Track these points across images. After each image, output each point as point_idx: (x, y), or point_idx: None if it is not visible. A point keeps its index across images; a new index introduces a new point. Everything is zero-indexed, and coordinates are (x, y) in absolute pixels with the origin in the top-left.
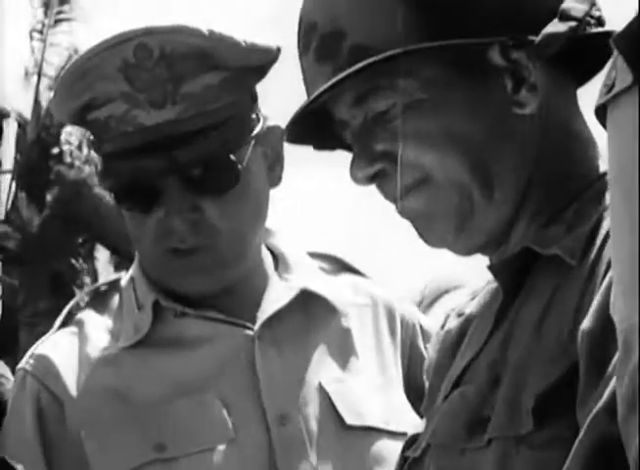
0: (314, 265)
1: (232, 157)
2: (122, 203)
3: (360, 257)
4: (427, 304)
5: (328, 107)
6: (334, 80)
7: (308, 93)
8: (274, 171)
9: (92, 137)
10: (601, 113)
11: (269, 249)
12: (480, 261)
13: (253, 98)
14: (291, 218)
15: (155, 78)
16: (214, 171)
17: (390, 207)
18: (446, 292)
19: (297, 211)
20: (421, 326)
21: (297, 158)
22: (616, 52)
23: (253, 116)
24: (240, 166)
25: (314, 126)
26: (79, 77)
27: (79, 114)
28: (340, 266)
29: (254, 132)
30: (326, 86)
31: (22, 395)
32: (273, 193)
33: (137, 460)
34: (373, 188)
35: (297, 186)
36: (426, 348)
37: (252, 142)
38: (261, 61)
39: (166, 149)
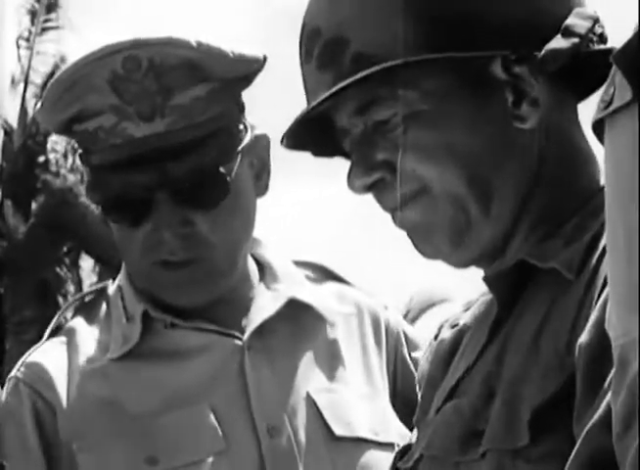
0: (300, 274)
1: (221, 169)
2: (110, 215)
3: (352, 267)
4: (412, 316)
5: (328, 114)
6: (335, 89)
7: (309, 100)
8: (261, 180)
9: (80, 149)
10: (598, 128)
11: (255, 258)
12: (475, 274)
13: (241, 108)
14: (286, 228)
15: (143, 91)
16: (204, 185)
17: (387, 217)
18: (433, 305)
19: (294, 220)
20: (405, 334)
21: (296, 167)
22: (614, 68)
23: (241, 126)
24: (229, 179)
25: (313, 133)
26: (68, 89)
27: (67, 125)
28: (325, 275)
29: (242, 144)
30: (327, 95)
31: (18, 400)
32: (269, 203)
33: None
34: (369, 198)
35: (293, 196)
36: (411, 356)
37: (240, 153)
38: (249, 71)
39: (156, 162)
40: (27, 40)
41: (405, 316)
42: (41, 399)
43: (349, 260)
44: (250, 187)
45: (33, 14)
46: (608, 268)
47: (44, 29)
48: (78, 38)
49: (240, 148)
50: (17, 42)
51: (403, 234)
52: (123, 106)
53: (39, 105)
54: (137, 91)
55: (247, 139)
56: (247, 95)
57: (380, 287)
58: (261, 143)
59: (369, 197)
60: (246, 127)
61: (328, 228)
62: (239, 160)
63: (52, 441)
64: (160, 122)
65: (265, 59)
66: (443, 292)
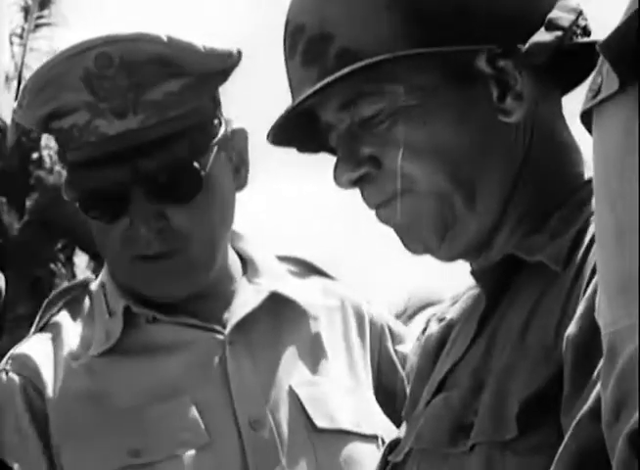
0: (283, 269)
1: (195, 164)
2: (87, 212)
3: (338, 264)
4: (409, 314)
5: (313, 109)
6: (320, 85)
7: (293, 96)
8: (240, 174)
9: (58, 146)
10: (586, 118)
11: (238, 253)
12: (463, 268)
13: (216, 103)
14: (272, 223)
15: (116, 87)
16: (178, 179)
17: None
18: (430, 305)
19: (280, 215)
20: (389, 328)
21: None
22: (601, 58)
23: (216, 121)
24: (203, 173)
25: (298, 128)
26: (43, 87)
27: (45, 122)
28: (308, 269)
29: (217, 138)
30: (312, 91)
31: (8, 389)
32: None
33: (111, 466)
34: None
35: (279, 190)
36: (395, 349)
37: (216, 147)
38: (221, 66)
39: (129, 158)
40: (21, 37)
41: (403, 314)
42: (31, 385)
43: (335, 257)
44: (227, 181)
45: (26, 10)
46: (597, 258)
47: (37, 26)
48: (72, 35)
49: (214, 142)
50: (10, 39)
51: (389, 231)
52: (96, 103)
53: (16, 104)
54: (109, 88)
55: (221, 133)
56: (233, 90)
57: (366, 284)
58: (240, 137)
59: (354, 194)
60: (220, 122)
61: (312, 225)
62: (214, 154)
63: (45, 427)
64: (132, 119)
65: (240, 53)
66: (442, 293)
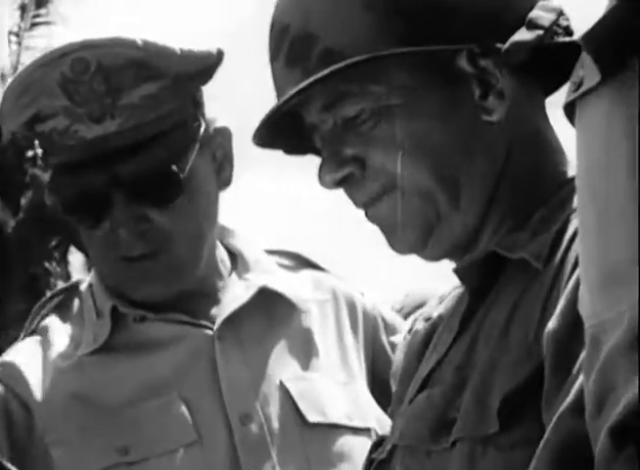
0: (273, 263)
1: (174, 167)
2: (70, 216)
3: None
4: (405, 313)
5: (298, 110)
6: (302, 85)
7: (278, 97)
8: (223, 173)
9: (41, 149)
10: (569, 111)
11: (227, 248)
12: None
13: (196, 104)
14: (259, 222)
15: (92, 92)
16: (158, 183)
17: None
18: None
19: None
20: (383, 319)
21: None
22: (583, 51)
23: (197, 121)
24: (182, 175)
25: (284, 130)
26: (22, 92)
27: (28, 125)
28: (298, 262)
29: (198, 138)
30: (294, 91)
31: None
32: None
33: (101, 464)
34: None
35: (264, 189)
36: (389, 340)
37: (197, 147)
38: (199, 66)
39: (109, 163)
40: (17, 35)
41: (399, 312)
42: (15, 399)
43: (327, 256)
44: (210, 179)
45: (23, 8)
46: (579, 251)
47: (34, 25)
48: (69, 34)
49: (195, 142)
50: (8, 37)
51: (376, 230)
52: (74, 108)
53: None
54: (86, 93)
55: (201, 133)
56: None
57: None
58: (223, 135)
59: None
60: (201, 122)
61: (298, 225)
62: (195, 154)
63: (24, 441)
64: (110, 123)
65: (221, 53)
66: (437, 293)
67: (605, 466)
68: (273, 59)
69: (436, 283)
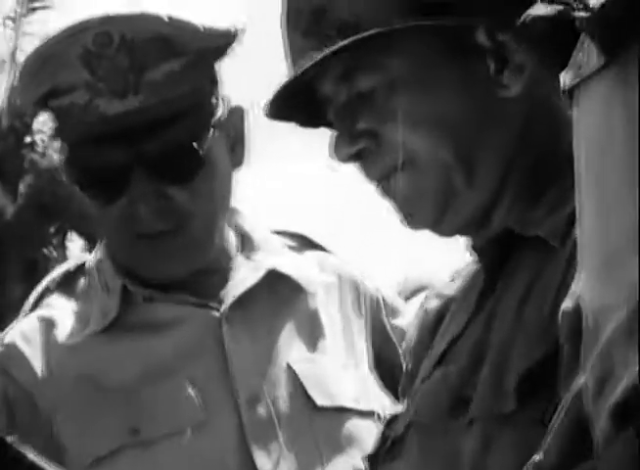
0: (280, 244)
1: (195, 144)
2: (86, 192)
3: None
4: (404, 297)
5: (312, 83)
6: (318, 58)
7: (292, 69)
8: (237, 152)
9: (56, 124)
10: (569, 94)
11: (235, 229)
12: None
13: (214, 82)
14: (267, 201)
15: (116, 67)
16: (178, 159)
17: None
18: (426, 288)
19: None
20: (386, 302)
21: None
22: (583, 34)
23: (214, 100)
24: (202, 152)
25: (297, 103)
26: (41, 65)
27: (43, 100)
28: (304, 243)
29: (216, 117)
30: (310, 63)
31: None
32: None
33: (112, 444)
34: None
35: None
36: (391, 323)
37: (214, 126)
38: (221, 44)
39: (129, 139)
40: (14, 20)
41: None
42: (14, 384)
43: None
44: (225, 159)
45: None
46: (578, 235)
47: (31, 10)
48: (66, 19)
49: (213, 121)
50: (4, 22)
51: (383, 215)
52: (95, 82)
53: (14, 83)
54: (109, 68)
55: (220, 112)
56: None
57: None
58: (237, 115)
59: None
60: (219, 101)
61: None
62: (212, 133)
63: (27, 425)
64: (133, 99)
65: (237, 32)
66: (438, 277)
67: (605, 447)
68: (289, 30)
69: (443, 261)
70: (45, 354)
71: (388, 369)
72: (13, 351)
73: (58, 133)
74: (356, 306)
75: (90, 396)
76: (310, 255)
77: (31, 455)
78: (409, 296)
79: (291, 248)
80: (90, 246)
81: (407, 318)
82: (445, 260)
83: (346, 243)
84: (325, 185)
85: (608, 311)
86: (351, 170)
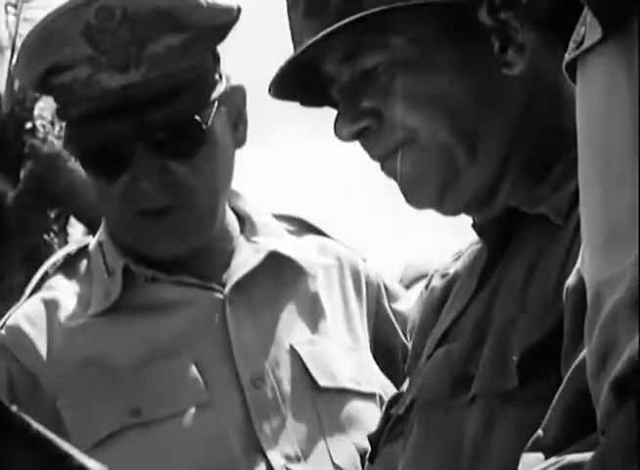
0: (280, 227)
1: (197, 118)
2: (88, 169)
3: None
4: (405, 285)
5: (316, 62)
6: (320, 35)
7: (295, 47)
8: (238, 131)
9: (57, 103)
10: (570, 69)
11: (235, 211)
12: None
13: (216, 58)
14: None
15: (117, 41)
16: (181, 134)
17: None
18: (426, 276)
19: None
20: (385, 286)
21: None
22: (585, 7)
23: (216, 76)
24: (205, 127)
25: (300, 82)
26: (42, 41)
27: (44, 78)
28: (304, 227)
29: (217, 93)
30: (312, 41)
31: None
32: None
33: (114, 426)
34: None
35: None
36: (391, 307)
37: (216, 103)
38: (223, 20)
39: (131, 113)
40: (15, 6)
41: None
42: (17, 364)
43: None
44: (227, 137)
45: None
46: (580, 209)
47: None
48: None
49: (215, 97)
50: (5, 8)
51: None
52: (97, 57)
53: (15, 60)
54: (111, 42)
55: (222, 88)
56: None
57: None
58: (238, 94)
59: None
60: (220, 77)
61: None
62: (215, 109)
63: (31, 407)
64: (134, 73)
65: (239, 10)
66: (435, 265)
67: (606, 422)
68: (291, 8)
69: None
70: (49, 336)
71: (385, 354)
72: (17, 332)
73: (60, 112)
74: (356, 290)
75: (93, 377)
76: (310, 238)
77: (36, 425)
78: (409, 284)
79: (290, 231)
80: (91, 231)
81: (407, 303)
82: (445, 249)
83: (348, 228)
84: (326, 170)
85: (610, 285)
86: (355, 152)
